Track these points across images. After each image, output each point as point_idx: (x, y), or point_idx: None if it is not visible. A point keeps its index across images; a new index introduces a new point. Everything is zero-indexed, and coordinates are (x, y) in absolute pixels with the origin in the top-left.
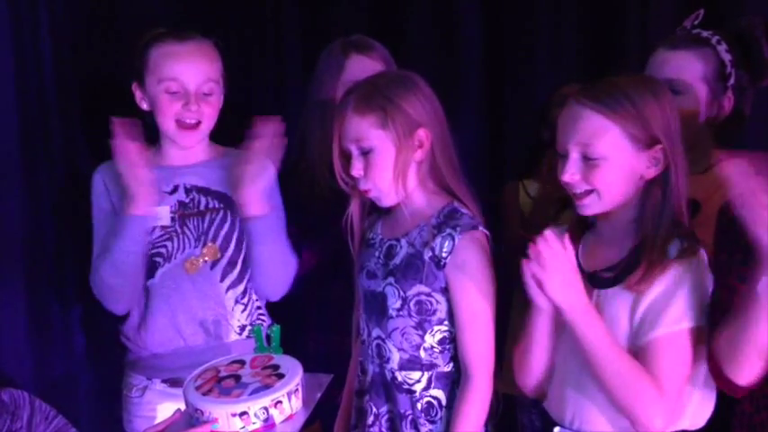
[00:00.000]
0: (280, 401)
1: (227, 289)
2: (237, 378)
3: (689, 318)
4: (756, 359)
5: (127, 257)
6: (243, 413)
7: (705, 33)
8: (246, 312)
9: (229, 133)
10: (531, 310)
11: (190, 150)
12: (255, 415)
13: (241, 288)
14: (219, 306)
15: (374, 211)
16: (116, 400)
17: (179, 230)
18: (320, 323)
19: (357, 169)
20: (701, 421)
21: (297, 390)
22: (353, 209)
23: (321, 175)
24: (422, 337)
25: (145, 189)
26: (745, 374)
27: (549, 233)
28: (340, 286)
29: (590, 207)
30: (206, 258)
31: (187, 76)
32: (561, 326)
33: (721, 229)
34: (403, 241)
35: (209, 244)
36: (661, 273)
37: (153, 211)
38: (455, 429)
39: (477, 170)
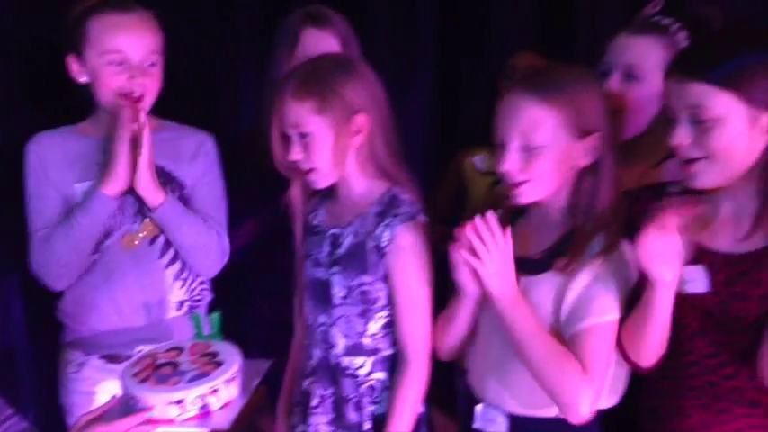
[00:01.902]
0: (216, 389)
1: (167, 265)
2: (175, 365)
3: (613, 310)
4: (656, 345)
5: (88, 235)
6: (179, 401)
7: (665, 21)
8: (186, 288)
9: (179, 106)
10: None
11: None
12: (192, 403)
13: (180, 264)
14: (158, 282)
15: (317, 193)
16: (57, 372)
17: (114, 203)
18: (266, 291)
19: (296, 153)
20: (616, 399)
21: (234, 377)
22: (294, 192)
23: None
24: (365, 324)
25: (126, 171)
26: (646, 358)
27: (491, 217)
28: (286, 255)
29: (525, 196)
30: (144, 234)
31: (131, 48)
32: (484, 304)
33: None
34: (347, 230)
35: (147, 220)
36: (587, 264)
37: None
38: (395, 410)
39: (431, 140)
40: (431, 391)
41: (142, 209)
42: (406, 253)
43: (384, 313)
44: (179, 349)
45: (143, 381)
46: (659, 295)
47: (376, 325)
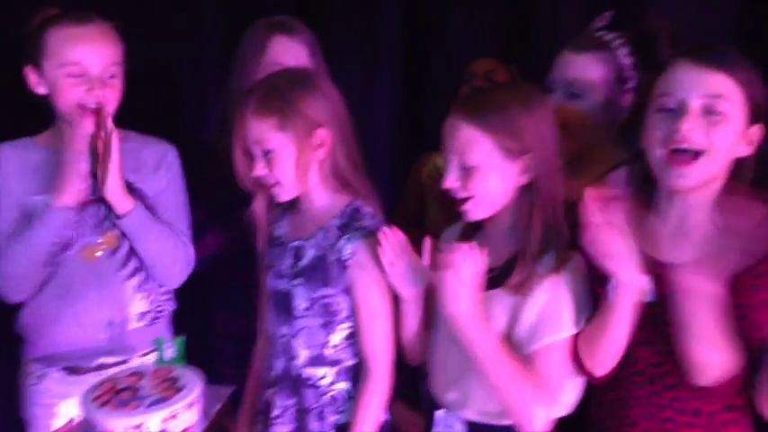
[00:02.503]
0: (176, 414)
1: (128, 277)
2: (135, 390)
3: (569, 327)
4: (611, 355)
5: (44, 247)
6: (138, 425)
7: (608, 36)
8: (147, 300)
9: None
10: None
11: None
12: (151, 427)
13: (142, 276)
14: (119, 294)
15: (279, 205)
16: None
17: (78, 218)
18: (228, 303)
19: (260, 169)
20: (568, 408)
21: (195, 403)
22: (257, 206)
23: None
24: (327, 335)
25: (79, 182)
26: (601, 367)
27: (468, 246)
28: (249, 268)
29: (471, 212)
30: (105, 246)
31: (90, 60)
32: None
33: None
34: (310, 243)
35: (109, 232)
36: (538, 282)
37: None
38: (357, 420)
39: (397, 143)
40: (398, 386)
41: (103, 221)
42: (367, 266)
43: (346, 325)
44: (140, 374)
45: (103, 405)
46: (620, 299)
47: (338, 336)
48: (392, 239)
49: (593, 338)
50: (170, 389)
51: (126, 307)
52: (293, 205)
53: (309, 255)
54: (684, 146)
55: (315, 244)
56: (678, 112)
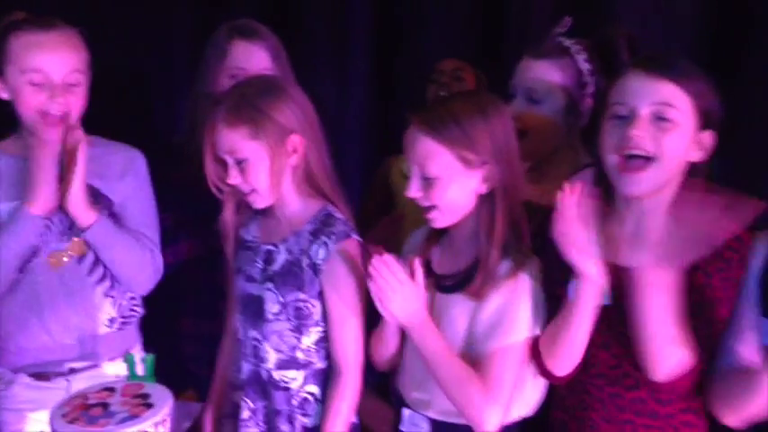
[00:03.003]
0: None
1: (96, 283)
2: (105, 406)
3: (523, 330)
4: (572, 355)
5: (15, 254)
6: None
7: (567, 43)
8: (116, 305)
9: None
10: None
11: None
12: None
13: (109, 282)
14: (87, 301)
15: (248, 209)
16: None
17: (44, 224)
18: (197, 309)
19: (233, 177)
20: (532, 409)
21: (164, 420)
22: (227, 214)
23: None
24: (299, 339)
25: (51, 190)
26: (561, 368)
27: (387, 258)
28: (218, 275)
29: (436, 221)
30: (71, 253)
31: (52, 67)
32: None
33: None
34: (281, 247)
35: (75, 239)
36: (496, 287)
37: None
38: (327, 422)
39: (369, 145)
40: (369, 378)
41: (70, 228)
42: (340, 271)
43: (318, 328)
44: (111, 390)
45: (72, 421)
46: (585, 291)
47: (309, 339)
48: (395, 268)
49: (555, 338)
50: (140, 406)
51: (94, 313)
52: (263, 209)
53: (281, 259)
54: (635, 152)
55: (287, 248)
56: (629, 119)
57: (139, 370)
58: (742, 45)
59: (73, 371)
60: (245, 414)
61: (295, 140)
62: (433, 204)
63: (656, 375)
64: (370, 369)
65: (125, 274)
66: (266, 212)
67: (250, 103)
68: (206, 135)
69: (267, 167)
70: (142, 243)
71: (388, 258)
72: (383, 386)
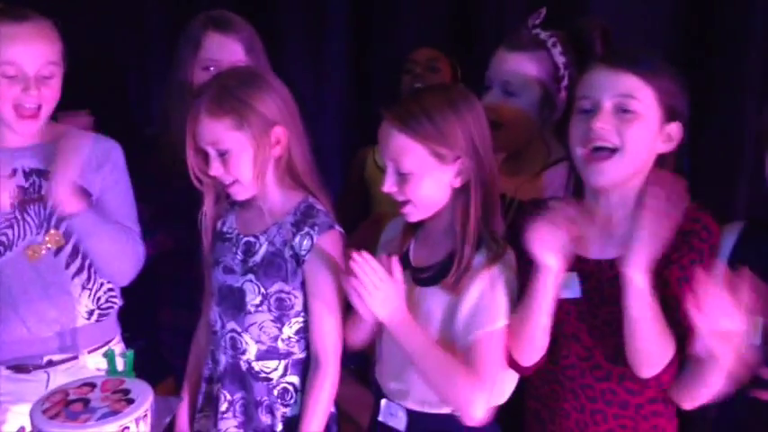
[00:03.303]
0: (127, 427)
1: (73, 276)
2: (86, 402)
3: (502, 318)
4: (534, 344)
5: None
6: None
7: (543, 35)
8: (93, 297)
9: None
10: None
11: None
12: None
13: (86, 275)
14: (65, 293)
15: (224, 201)
16: None
17: (19, 217)
18: (175, 300)
19: (216, 169)
20: (504, 397)
21: (145, 415)
22: (207, 205)
23: (182, 152)
24: (280, 329)
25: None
26: (526, 355)
27: (366, 257)
28: (196, 267)
29: (411, 215)
30: (49, 246)
31: (25, 60)
32: None
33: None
34: (262, 239)
35: (52, 231)
36: (471, 278)
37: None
38: (307, 412)
39: (348, 136)
40: (350, 364)
41: (45, 220)
42: (323, 262)
43: (299, 319)
44: (91, 385)
45: (53, 417)
46: (543, 282)
47: (291, 330)
48: (375, 266)
49: (517, 328)
50: (121, 401)
51: (72, 305)
52: (242, 203)
53: (262, 251)
54: (599, 143)
55: (268, 240)
56: (593, 112)
57: (120, 365)
58: (716, 36)
59: (52, 363)
60: (223, 407)
61: (278, 132)
62: (407, 199)
63: (642, 372)
64: (351, 355)
65: (108, 264)
66: (244, 204)
67: (233, 93)
68: (188, 126)
69: (251, 159)
70: (125, 233)
71: (367, 257)
72: (364, 372)
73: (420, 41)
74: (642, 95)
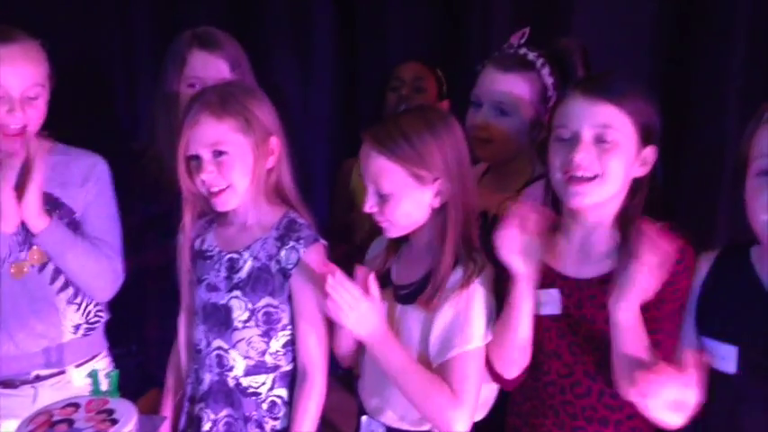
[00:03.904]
0: None
1: (58, 291)
2: (70, 422)
3: (479, 337)
4: (515, 357)
5: None
6: None
7: (531, 56)
8: (80, 312)
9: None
10: None
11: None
12: None
13: (71, 290)
14: (51, 308)
15: (201, 220)
16: None
17: (4, 234)
18: (162, 314)
19: (209, 171)
20: (484, 412)
21: None
22: (186, 221)
23: (169, 166)
24: (267, 343)
25: (14, 208)
26: (509, 367)
27: (338, 278)
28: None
29: (389, 232)
30: (32, 262)
31: (10, 82)
32: None
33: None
34: (246, 254)
35: (35, 247)
36: (446, 297)
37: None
38: (296, 423)
39: (335, 148)
40: (338, 369)
41: (28, 237)
42: (309, 275)
43: (286, 332)
44: (75, 405)
45: None
46: (519, 290)
47: (278, 343)
48: (348, 287)
49: (498, 341)
50: (105, 421)
51: (58, 320)
52: (217, 218)
53: (247, 266)
54: (579, 173)
55: (252, 255)
56: (572, 141)
57: (104, 385)
58: (696, 55)
59: (39, 378)
60: (206, 426)
61: (274, 142)
62: (387, 220)
63: (630, 396)
64: (336, 361)
65: (82, 282)
66: (222, 222)
67: (237, 99)
68: (183, 131)
69: (249, 165)
70: (99, 250)
71: (340, 278)
72: (350, 379)
73: (406, 51)
74: (620, 124)
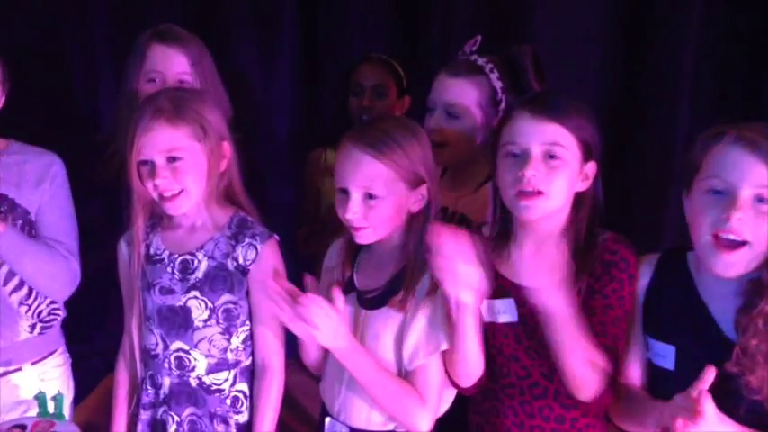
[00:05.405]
0: None
1: (11, 292)
2: None
3: (444, 342)
4: (468, 369)
5: None
6: None
7: (480, 61)
8: (34, 312)
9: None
10: None
11: None
12: None
13: (25, 291)
14: (6, 309)
15: (150, 221)
16: None
17: None
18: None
19: (163, 176)
20: (444, 407)
21: None
22: (139, 225)
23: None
24: (228, 340)
25: None
26: (464, 379)
27: (310, 296)
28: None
29: (365, 238)
30: None
31: None
32: None
33: None
34: (200, 255)
35: None
36: (418, 302)
37: None
38: (259, 417)
39: (298, 141)
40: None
41: None
42: (267, 270)
43: (245, 327)
44: (22, 427)
45: None
46: (462, 319)
47: (238, 339)
48: (318, 304)
49: (451, 357)
50: None
51: (15, 320)
52: (162, 222)
53: (203, 266)
54: (529, 189)
55: (207, 255)
56: (522, 158)
57: (51, 407)
58: (649, 63)
59: None
60: (172, 429)
61: (226, 147)
62: (369, 226)
63: (581, 396)
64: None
65: (38, 283)
66: (167, 225)
67: (189, 105)
68: (136, 137)
69: (203, 170)
70: (55, 252)
71: (312, 297)
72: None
73: (366, 43)
74: (566, 142)
